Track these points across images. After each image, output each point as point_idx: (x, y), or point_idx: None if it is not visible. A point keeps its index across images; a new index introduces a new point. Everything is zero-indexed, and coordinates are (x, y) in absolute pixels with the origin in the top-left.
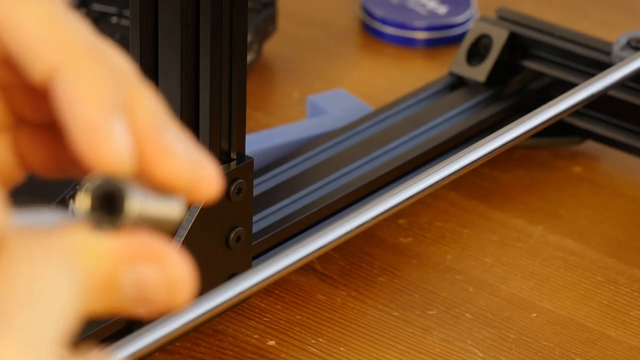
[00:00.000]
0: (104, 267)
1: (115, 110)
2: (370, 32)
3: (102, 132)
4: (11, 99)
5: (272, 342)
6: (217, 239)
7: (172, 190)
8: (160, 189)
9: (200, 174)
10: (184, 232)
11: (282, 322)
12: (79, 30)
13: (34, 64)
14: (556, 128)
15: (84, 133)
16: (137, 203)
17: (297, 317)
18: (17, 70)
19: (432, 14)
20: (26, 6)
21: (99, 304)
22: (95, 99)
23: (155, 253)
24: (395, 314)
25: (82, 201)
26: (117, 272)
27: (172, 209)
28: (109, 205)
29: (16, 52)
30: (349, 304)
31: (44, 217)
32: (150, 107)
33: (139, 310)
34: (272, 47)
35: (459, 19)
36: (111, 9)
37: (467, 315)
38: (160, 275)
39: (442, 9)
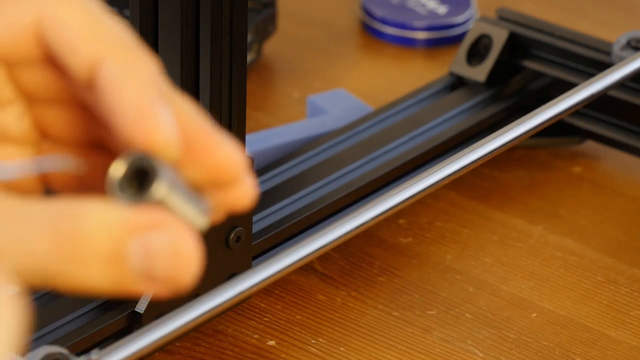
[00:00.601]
0: (110, 236)
1: (161, 95)
2: (370, 32)
3: (152, 114)
4: (39, 114)
5: (272, 342)
6: (217, 239)
7: (214, 185)
8: (197, 187)
9: (241, 176)
10: None
11: (282, 322)
12: (116, 25)
13: (78, 55)
14: (556, 128)
15: (132, 116)
16: (165, 187)
17: (297, 317)
18: (59, 70)
19: (432, 14)
20: (66, 3)
21: (105, 278)
22: (142, 84)
23: (162, 223)
24: (395, 314)
25: (117, 168)
26: (124, 243)
27: (196, 212)
28: (140, 180)
29: (59, 47)
30: (349, 304)
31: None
32: (185, 103)
33: (146, 288)
34: (272, 47)
35: (459, 19)
36: (111, 9)
37: (467, 315)
38: (167, 244)
39: (442, 9)
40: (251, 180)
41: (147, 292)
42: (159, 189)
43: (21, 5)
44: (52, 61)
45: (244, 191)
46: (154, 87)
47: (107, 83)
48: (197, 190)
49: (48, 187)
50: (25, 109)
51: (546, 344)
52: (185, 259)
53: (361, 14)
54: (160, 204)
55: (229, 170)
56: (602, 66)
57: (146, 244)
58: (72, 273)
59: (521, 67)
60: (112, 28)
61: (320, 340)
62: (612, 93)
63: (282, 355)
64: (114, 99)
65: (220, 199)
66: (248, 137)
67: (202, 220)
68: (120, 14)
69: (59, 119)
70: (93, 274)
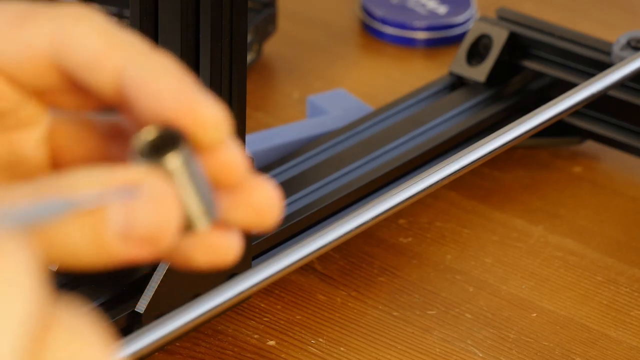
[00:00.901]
0: (91, 193)
1: (196, 83)
2: (370, 32)
3: (195, 96)
4: (58, 140)
5: (272, 342)
6: None
7: (227, 186)
8: (217, 191)
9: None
10: None
11: (282, 322)
12: (130, 35)
13: (100, 71)
14: (556, 128)
15: (175, 103)
16: (180, 160)
17: (297, 317)
18: (83, 93)
19: (432, 14)
20: (77, 24)
21: (85, 238)
22: (175, 77)
23: (144, 179)
24: (395, 314)
25: (149, 131)
26: (104, 200)
27: (202, 210)
28: (161, 151)
29: (78, 68)
30: (349, 304)
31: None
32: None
33: (126, 249)
34: (272, 47)
35: (459, 19)
36: (111, 9)
37: (467, 315)
38: (147, 199)
39: (442, 9)
40: (271, 187)
41: (127, 254)
42: (174, 159)
43: (33, 30)
44: (73, 85)
45: (262, 196)
46: (186, 79)
47: (139, 86)
48: (214, 193)
49: (57, 164)
50: (46, 135)
51: (546, 344)
52: (165, 214)
53: (361, 14)
54: (170, 177)
55: (231, 172)
56: (602, 66)
57: (126, 205)
58: (52, 234)
59: (521, 67)
60: (128, 39)
61: (320, 340)
62: (612, 93)
63: (282, 355)
64: (151, 96)
65: (239, 209)
66: (248, 137)
67: (205, 221)
68: (120, 14)
69: (77, 147)
70: (73, 234)
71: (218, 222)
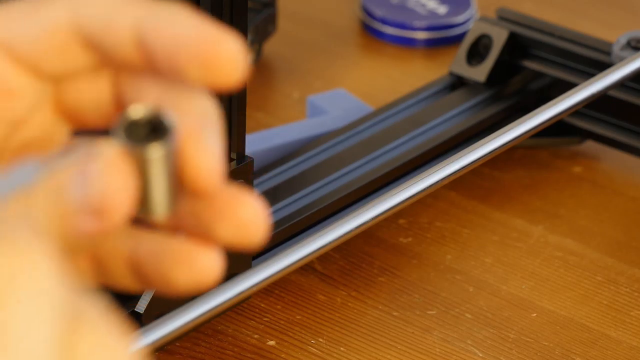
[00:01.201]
0: (54, 177)
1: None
2: (370, 32)
3: (215, 32)
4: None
5: (272, 342)
6: None
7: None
8: (180, 187)
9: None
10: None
11: (282, 322)
12: None
13: (119, 26)
14: (556, 128)
15: (197, 39)
16: (162, 151)
17: (297, 317)
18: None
19: (432, 14)
20: None
21: (47, 211)
22: (195, 20)
23: (99, 154)
24: (395, 314)
25: (137, 109)
26: (65, 179)
27: (163, 200)
28: (146, 133)
29: (99, 31)
30: (349, 304)
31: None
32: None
33: (84, 220)
34: (272, 47)
35: (459, 19)
36: None
37: (467, 315)
38: (99, 169)
39: (442, 9)
40: (257, 203)
41: (83, 226)
42: (158, 148)
43: (48, 12)
44: (95, 60)
45: (248, 212)
46: (202, 19)
47: (158, 33)
48: (177, 187)
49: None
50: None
51: (546, 344)
52: (115, 186)
53: (361, 14)
54: (145, 164)
55: (202, 177)
56: (602, 66)
57: (82, 172)
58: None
59: (521, 67)
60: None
61: (320, 340)
62: (612, 93)
63: (282, 355)
64: (171, 40)
65: (224, 225)
66: (248, 137)
67: (161, 211)
68: None
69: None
70: (36, 208)
71: (173, 218)
